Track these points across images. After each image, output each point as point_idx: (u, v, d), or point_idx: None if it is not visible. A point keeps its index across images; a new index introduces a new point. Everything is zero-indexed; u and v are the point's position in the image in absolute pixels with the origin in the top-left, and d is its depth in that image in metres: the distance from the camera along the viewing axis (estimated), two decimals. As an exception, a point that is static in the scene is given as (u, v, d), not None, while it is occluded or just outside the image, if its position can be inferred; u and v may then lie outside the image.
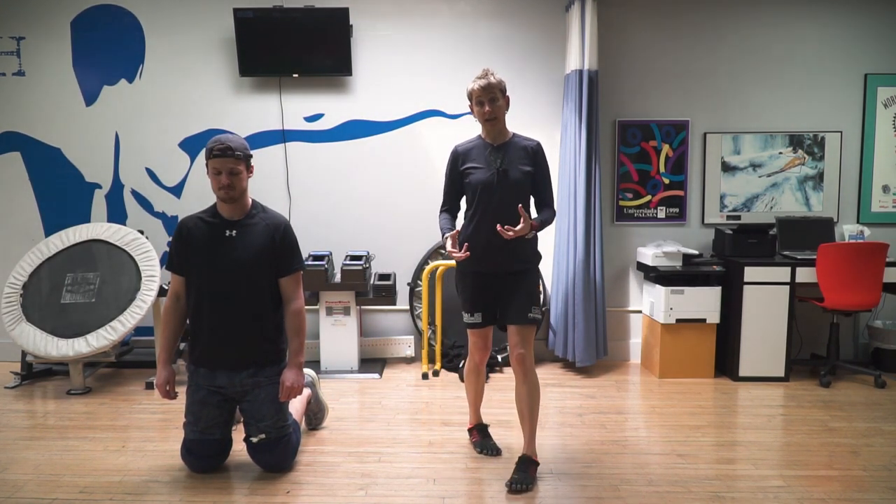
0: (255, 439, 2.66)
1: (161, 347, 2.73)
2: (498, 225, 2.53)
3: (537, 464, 2.68)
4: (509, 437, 3.07)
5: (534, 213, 2.79)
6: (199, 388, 2.66)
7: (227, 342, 2.63)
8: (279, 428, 2.67)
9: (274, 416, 2.66)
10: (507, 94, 2.70)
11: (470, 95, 2.67)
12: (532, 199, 2.78)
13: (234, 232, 2.66)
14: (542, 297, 4.38)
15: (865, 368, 4.05)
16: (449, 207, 2.84)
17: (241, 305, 2.62)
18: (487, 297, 2.73)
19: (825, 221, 4.27)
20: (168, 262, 2.74)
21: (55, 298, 3.86)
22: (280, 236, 2.69)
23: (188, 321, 2.72)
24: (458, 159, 2.76)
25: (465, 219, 2.76)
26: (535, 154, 2.71)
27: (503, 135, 2.73)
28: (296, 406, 2.91)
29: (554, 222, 4.22)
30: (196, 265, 2.64)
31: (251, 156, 2.71)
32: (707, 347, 4.04)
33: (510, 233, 2.50)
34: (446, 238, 2.60)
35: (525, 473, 2.60)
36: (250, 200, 2.74)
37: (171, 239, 2.73)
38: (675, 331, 4.02)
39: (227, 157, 2.56)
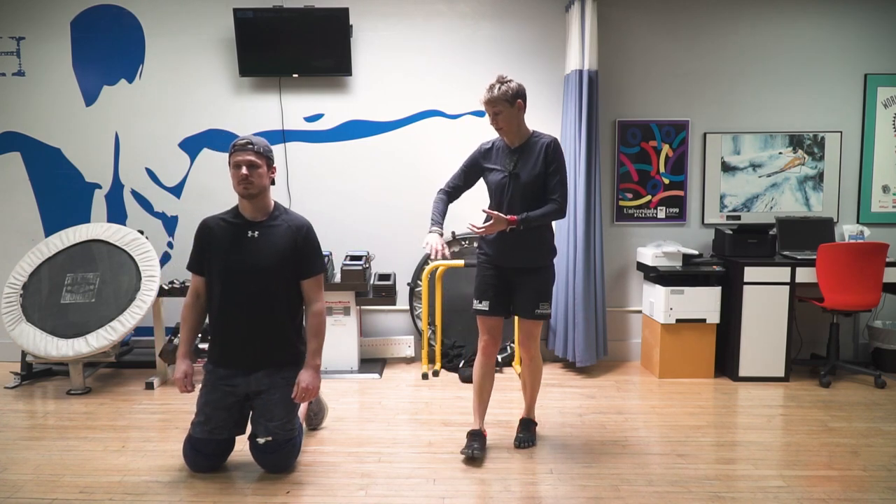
0: (261, 440, 2.65)
1: (181, 341, 2.73)
2: (469, 223, 2.72)
3: (536, 423, 3.11)
4: (508, 438, 3.06)
5: None
6: (214, 388, 2.66)
7: (246, 343, 2.64)
8: (287, 430, 2.67)
9: (283, 418, 2.66)
10: (520, 98, 2.72)
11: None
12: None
13: (256, 233, 2.67)
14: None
15: (865, 368, 4.05)
16: (449, 189, 2.95)
17: (261, 306, 2.63)
18: (498, 288, 2.86)
19: (825, 221, 4.27)
20: (189, 261, 2.76)
21: (55, 298, 3.86)
22: (302, 238, 2.70)
23: (208, 321, 2.73)
24: (482, 155, 2.90)
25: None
26: (547, 151, 2.79)
27: (521, 136, 2.82)
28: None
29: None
30: (217, 265, 2.65)
31: (272, 157, 2.72)
32: (707, 347, 4.04)
33: (480, 229, 2.66)
34: (430, 240, 2.72)
35: (528, 432, 3.02)
36: (272, 202, 2.76)
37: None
38: (675, 331, 4.02)
39: (247, 150, 2.61)
